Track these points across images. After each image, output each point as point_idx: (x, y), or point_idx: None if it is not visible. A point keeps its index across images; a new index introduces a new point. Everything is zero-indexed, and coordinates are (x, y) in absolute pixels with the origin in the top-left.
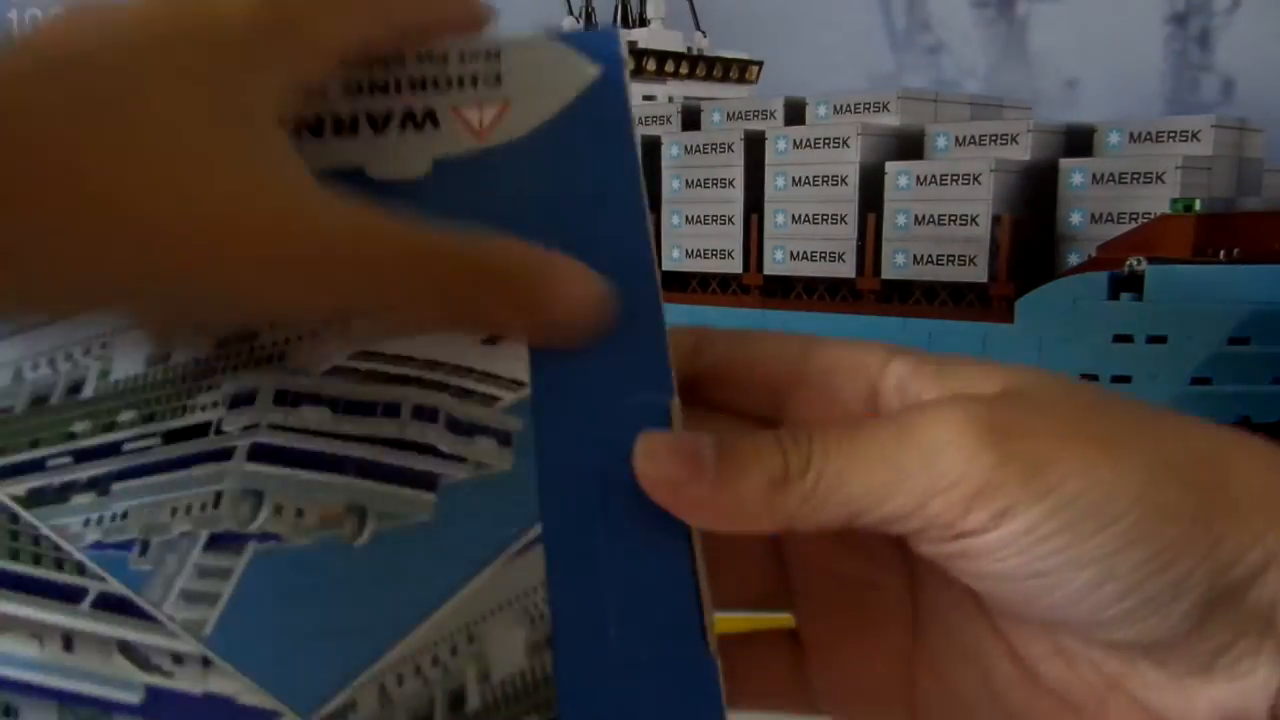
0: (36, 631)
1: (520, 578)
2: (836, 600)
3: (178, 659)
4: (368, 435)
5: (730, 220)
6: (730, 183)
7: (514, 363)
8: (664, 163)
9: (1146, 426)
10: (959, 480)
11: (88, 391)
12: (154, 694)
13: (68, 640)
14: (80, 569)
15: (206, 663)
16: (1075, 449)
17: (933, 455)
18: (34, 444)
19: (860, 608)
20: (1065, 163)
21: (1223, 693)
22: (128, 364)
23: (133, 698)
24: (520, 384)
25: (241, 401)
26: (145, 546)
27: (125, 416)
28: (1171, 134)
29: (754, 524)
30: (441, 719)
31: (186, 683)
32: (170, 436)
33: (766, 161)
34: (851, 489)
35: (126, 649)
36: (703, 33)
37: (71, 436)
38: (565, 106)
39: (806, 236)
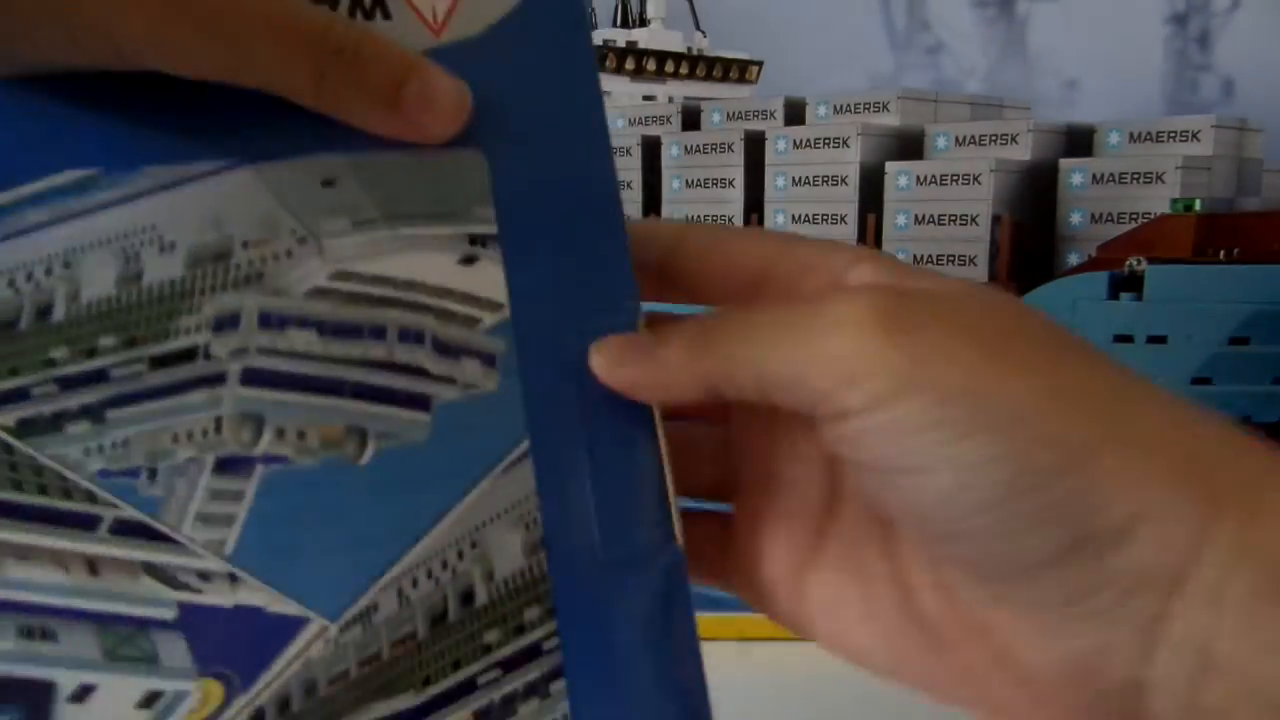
0: (59, 559)
1: (514, 488)
2: (762, 497)
3: (204, 576)
4: (357, 358)
5: (730, 220)
6: (730, 183)
7: (491, 284)
8: (664, 163)
9: (1056, 354)
10: (843, 357)
11: (58, 315)
12: (187, 609)
13: (92, 565)
14: (91, 497)
15: (233, 578)
16: (968, 353)
17: (828, 332)
18: (13, 372)
19: (778, 507)
20: (1065, 163)
21: (1080, 646)
22: (96, 285)
23: (167, 614)
24: (499, 305)
25: (226, 324)
26: (153, 473)
27: (105, 341)
28: (1171, 134)
29: (682, 388)
30: (455, 614)
31: (216, 597)
32: (157, 362)
33: (766, 161)
34: (757, 357)
35: (153, 570)
36: (703, 33)
37: (51, 363)
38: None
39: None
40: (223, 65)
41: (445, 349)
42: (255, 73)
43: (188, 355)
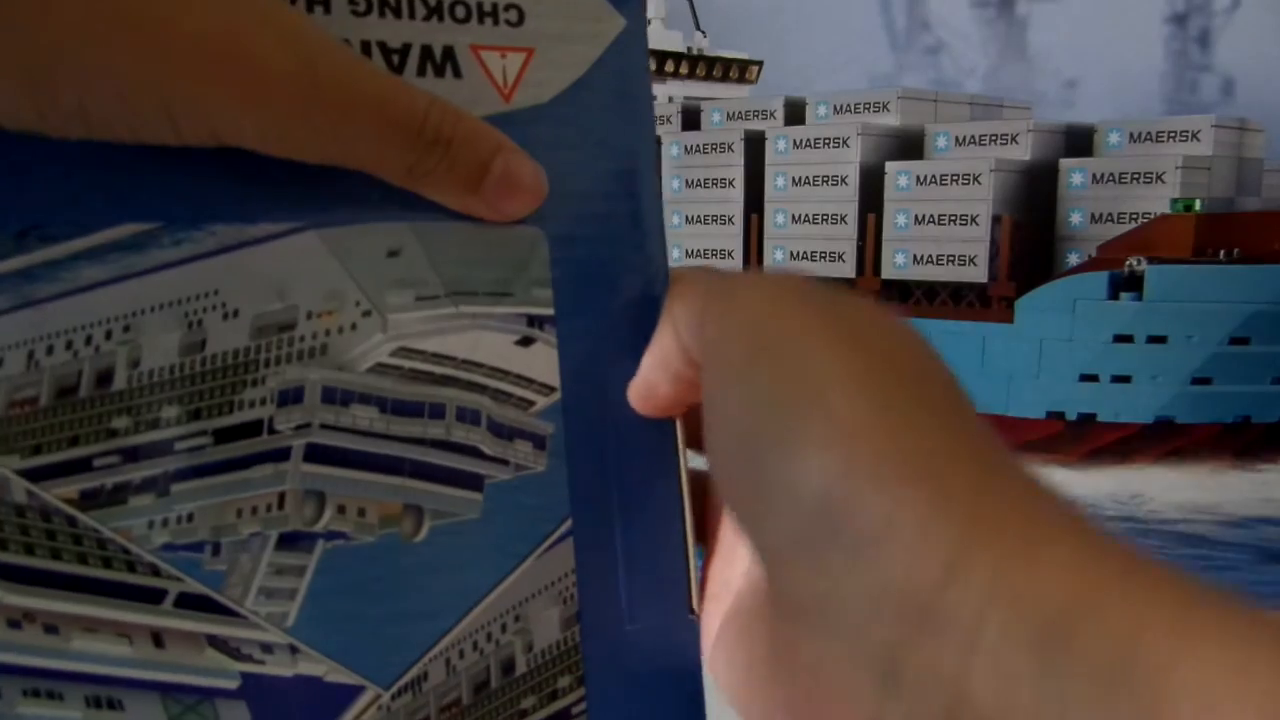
0: (124, 631)
1: (555, 566)
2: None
3: (267, 648)
4: (417, 437)
5: (730, 220)
6: (730, 183)
7: (545, 367)
8: (664, 163)
9: (895, 354)
10: (735, 320)
11: (119, 383)
12: (249, 679)
13: (157, 638)
14: (154, 570)
15: (294, 650)
16: (799, 314)
17: (742, 304)
18: (74, 442)
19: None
20: (1065, 163)
21: (830, 671)
22: (159, 353)
23: (230, 684)
24: (551, 389)
25: (290, 399)
26: (217, 548)
27: (169, 412)
28: (1171, 134)
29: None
30: (496, 683)
31: (278, 668)
32: (222, 435)
33: (766, 161)
34: (682, 312)
35: (216, 642)
36: (703, 33)
37: (113, 434)
38: (590, 67)
39: (806, 236)
40: (322, 151)
41: (500, 430)
42: (352, 158)
43: (252, 429)
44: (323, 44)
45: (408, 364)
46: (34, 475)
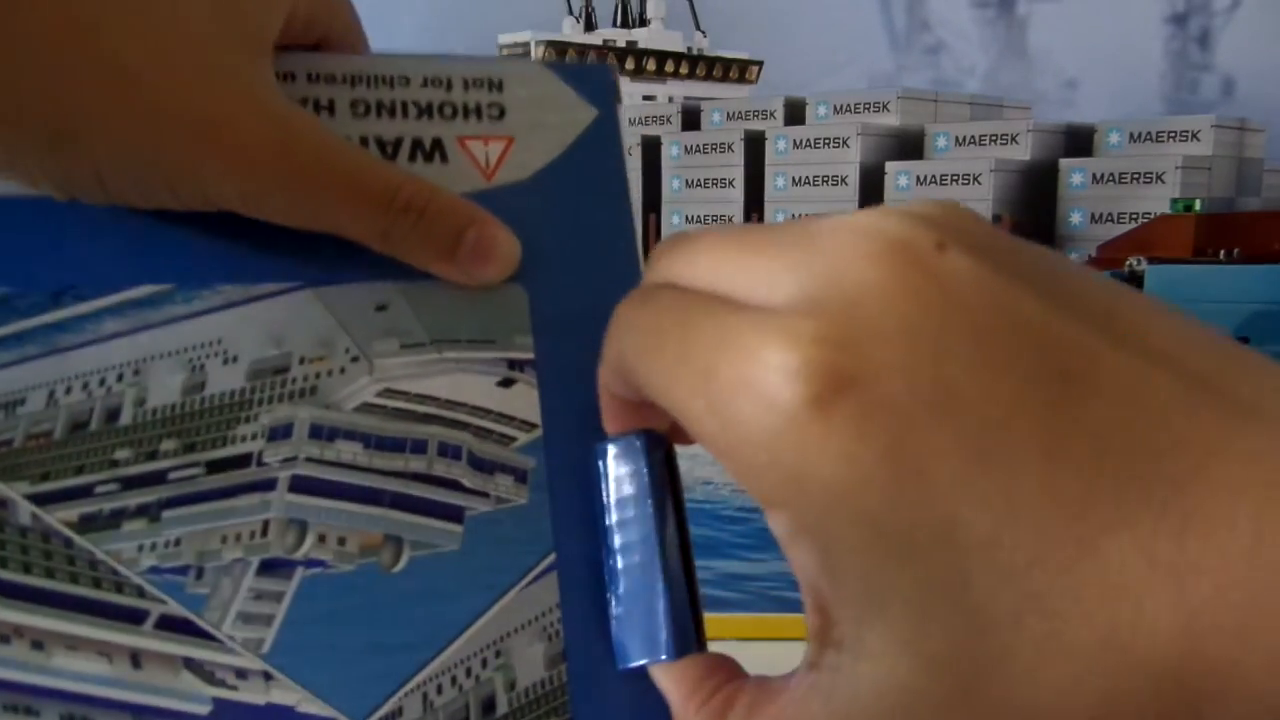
0: (104, 650)
1: (539, 600)
2: None
3: (241, 674)
4: (398, 470)
5: (730, 220)
6: (730, 183)
7: (526, 405)
8: (664, 163)
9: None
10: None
11: (125, 419)
12: (221, 705)
13: (135, 658)
14: (140, 592)
15: (268, 677)
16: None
17: (739, 395)
18: (79, 470)
19: None
20: (1065, 163)
21: None
22: (163, 393)
23: (201, 709)
24: (533, 425)
25: (279, 434)
26: (200, 572)
27: (167, 445)
28: (1171, 134)
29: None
30: None
31: (250, 695)
32: (214, 466)
33: (766, 161)
34: (644, 371)
35: (192, 665)
36: (703, 33)
37: (115, 464)
38: (565, 149)
39: None
40: (301, 216)
41: (481, 464)
42: (330, 223)
43: (242, 461)
44: (304, 124)
45: (392, 404)
46: (40, 500)
